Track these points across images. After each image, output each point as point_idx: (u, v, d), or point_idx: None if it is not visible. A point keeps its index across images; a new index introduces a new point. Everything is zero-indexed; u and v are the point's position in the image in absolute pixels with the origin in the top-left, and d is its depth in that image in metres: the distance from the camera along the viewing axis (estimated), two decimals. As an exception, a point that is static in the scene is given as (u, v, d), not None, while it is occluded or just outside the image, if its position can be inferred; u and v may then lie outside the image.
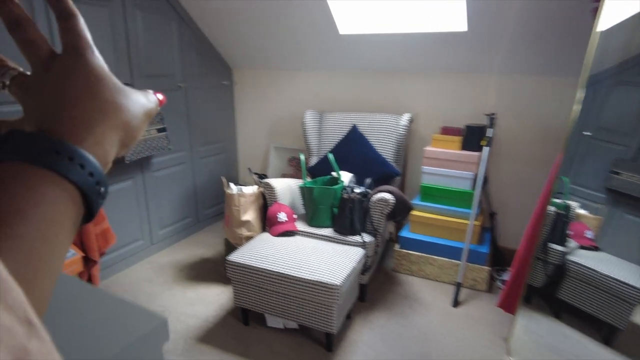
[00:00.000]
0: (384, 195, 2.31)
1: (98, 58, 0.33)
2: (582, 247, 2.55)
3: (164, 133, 2.73)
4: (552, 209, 2.25)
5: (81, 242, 2.07)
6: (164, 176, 2.94)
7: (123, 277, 2.64)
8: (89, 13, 2.34)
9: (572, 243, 2.36)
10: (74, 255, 2.00)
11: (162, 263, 2.83)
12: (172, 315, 2.23)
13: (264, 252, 2.08)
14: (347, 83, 3.12)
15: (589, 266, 2.44)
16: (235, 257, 2.05)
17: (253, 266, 1.98)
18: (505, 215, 2.80)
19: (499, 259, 2.75)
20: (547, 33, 2.25)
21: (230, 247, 2.59)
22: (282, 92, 3.34)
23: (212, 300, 2.38)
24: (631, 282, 2.25)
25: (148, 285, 2.55)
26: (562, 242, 2.49)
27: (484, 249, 2.51)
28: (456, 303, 2.37)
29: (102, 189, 0.30)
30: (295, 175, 3.26)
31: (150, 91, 0.38)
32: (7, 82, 0.34)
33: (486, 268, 2.48)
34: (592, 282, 2.14)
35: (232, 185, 2.52)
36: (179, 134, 3.02)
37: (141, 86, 2.70)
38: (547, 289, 2.31)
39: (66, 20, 0.33)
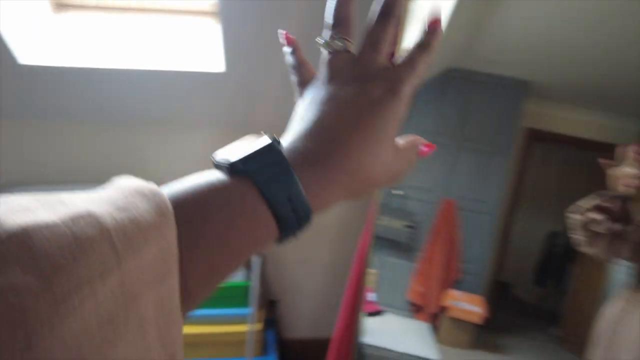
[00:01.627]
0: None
1: (402, 106, 0.31)
2: (370, 314, 2.21)
3: None
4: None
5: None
6: None
7: None
8: None
9: (361, 314, 1.96)
10: None
11: None
12: None
13: None
14: (58, 139, 2.02)
15: (383, 346, 2.09)
16: None
17: None
18: (292, 300, 2.27)
19: (287, 357, 2.20)
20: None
21: None
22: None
23: None
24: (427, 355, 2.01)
25: None
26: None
27: (270, 361, 1.90)
28: None
29: (299, 228, 0.28)
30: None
31: (417, 144, 0.35)
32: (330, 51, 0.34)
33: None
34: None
35: None
36: None
37: None
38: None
39: (420, 50, 0.32)
